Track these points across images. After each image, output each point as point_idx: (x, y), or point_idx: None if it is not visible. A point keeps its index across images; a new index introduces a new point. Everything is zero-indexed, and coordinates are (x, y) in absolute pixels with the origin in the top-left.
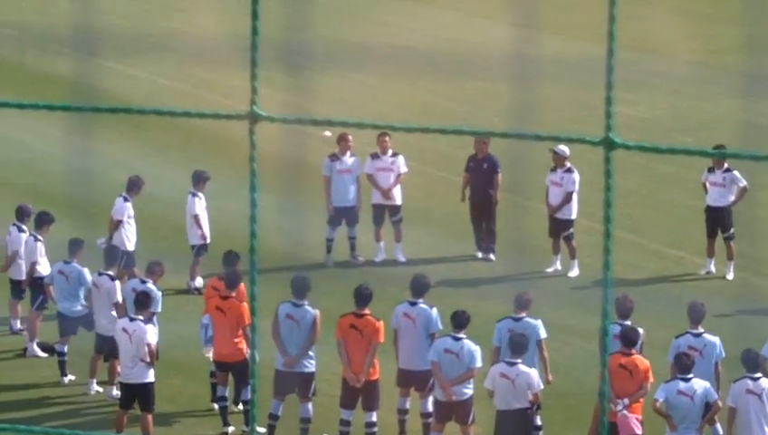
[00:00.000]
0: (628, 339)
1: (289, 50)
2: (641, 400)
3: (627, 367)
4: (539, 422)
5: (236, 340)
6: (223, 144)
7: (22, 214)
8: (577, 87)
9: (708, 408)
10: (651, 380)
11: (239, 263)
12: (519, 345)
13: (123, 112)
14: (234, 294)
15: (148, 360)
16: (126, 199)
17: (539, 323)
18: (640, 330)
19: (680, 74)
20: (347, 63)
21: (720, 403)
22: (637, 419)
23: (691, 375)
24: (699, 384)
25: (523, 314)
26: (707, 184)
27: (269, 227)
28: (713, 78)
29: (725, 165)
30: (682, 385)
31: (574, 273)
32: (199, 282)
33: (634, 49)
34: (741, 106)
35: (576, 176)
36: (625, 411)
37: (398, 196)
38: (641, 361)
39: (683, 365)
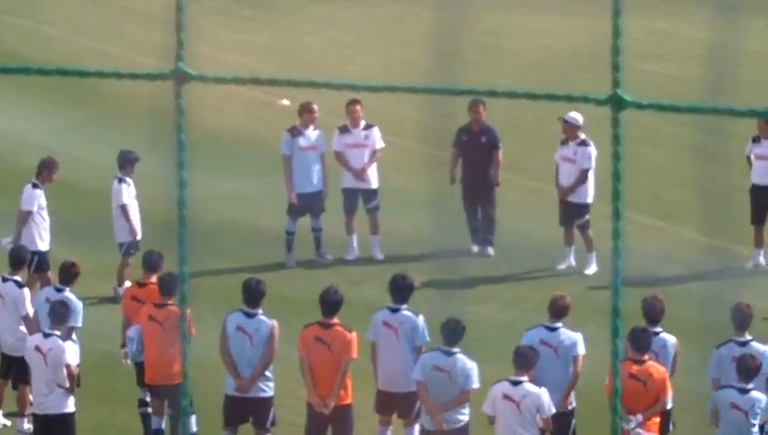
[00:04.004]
0: (640, 342)
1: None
2: (657, 416)
3: (639, 377)
4: None
5: (175, 357)
6: (158, 115)
7: None
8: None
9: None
10: (670, 392)
11: (163, 264)
12: (526, 359)
13: (20, 73)
14: (171, 301)
15: (66, 385)
16: (36, 186)
17: (578, 336)
18: (673, 338)
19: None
20: (309, 15)
21: None
22: None
23: (750, 386)
24: (758, 398)
25: (559, 325)
26: (752, 157)
27: (213, 217)
28: (760, 27)
29: None
30: (737, 397)
31: (592, 269)
32: None
33: None
34: None
35: (592, 150)
36: (639, 430)
37: (373, 177)
38: (656, 368)
39: (745, 369)
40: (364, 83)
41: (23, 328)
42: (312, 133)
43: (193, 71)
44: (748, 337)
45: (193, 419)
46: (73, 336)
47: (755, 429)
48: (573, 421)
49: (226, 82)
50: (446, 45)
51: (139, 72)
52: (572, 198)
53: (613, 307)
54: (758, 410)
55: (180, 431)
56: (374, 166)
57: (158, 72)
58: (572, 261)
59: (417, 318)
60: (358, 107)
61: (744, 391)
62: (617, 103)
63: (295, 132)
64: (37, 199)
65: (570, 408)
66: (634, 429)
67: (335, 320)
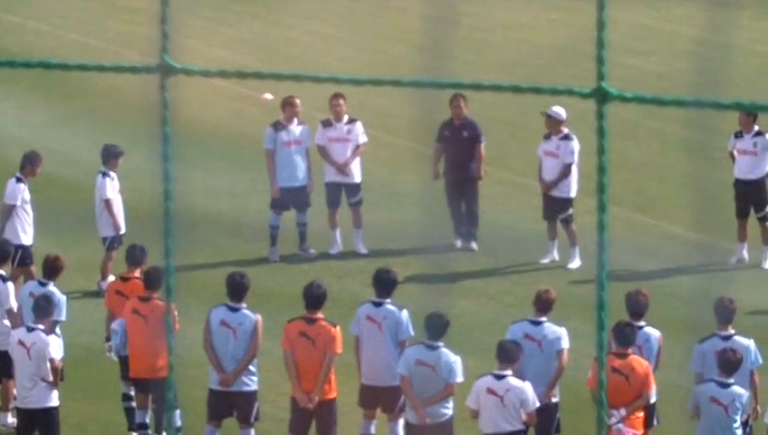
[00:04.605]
0: (624, 336)
1: None
2: (640, 411)
3: (622, 371)
4: None
5: (159, 351)
6: (142, 110)
7: None
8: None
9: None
10: (654, 386)
11: (147, 258)
12: (510, 353)
13: (5, 66)
14: (156, 295)
15: (50, 379)
16: (20, 180)
17: (562, 330)
18: (657, 333)
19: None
20: (294, 10)
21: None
22: (635, 434)
23: (732, 380)
24: (738, 393)
25: (544, 319)
26: (735, 152)
27: (197, 211)
28: (743, 22)
29: (756, 128)
30: (717, 391)
31: (575, 264)
32: None
33: None
34: None
35: (575, 144)
36: (621, 426)
37: (356, 172)
38: (639, 362)
39: (726, 363)
40: (348, 77)
41: (6, 322)
42: (296, 128)
43: (178, 64)
44: (731, 331)
45: (177, 413)
46: (57, 330)
47: (737, 424)
48: (557, 415)
49: (211, 75)
50: (429, 40)
51: (124, 65)
52: (555, 193)
53: (598, 300)
54: (738, 405)
55: (165, 425)
56: (357, 160)
57: (142, 65)
58: (556, 255)
59: (400, 312)
60: (341, 101)
61: (725, 386)
62: (601, 97)
63: (278, 127)
64: (21, 193)
65: (553, 401)
66: (615, 424)
67: (319, 314)
